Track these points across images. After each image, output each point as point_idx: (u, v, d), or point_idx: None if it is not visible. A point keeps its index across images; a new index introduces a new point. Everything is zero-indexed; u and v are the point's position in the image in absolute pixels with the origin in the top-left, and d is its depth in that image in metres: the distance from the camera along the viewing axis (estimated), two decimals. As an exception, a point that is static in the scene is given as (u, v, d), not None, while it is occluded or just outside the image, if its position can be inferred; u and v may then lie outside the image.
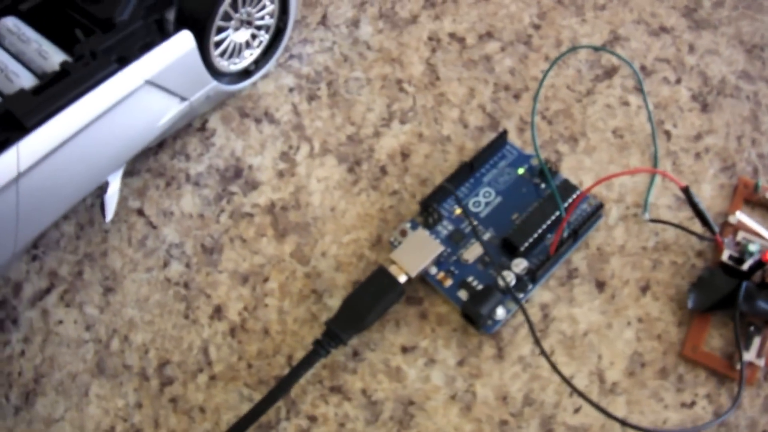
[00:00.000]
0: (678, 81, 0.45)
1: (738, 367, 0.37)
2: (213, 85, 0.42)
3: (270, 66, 0.46)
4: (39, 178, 0.36)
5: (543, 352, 0.35)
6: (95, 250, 0.42)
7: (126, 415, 0.38)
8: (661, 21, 0.48)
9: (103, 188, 0.40)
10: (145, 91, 0.38)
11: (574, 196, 0.40)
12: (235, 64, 0.44)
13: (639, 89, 0.45)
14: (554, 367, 0.35)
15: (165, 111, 0.41)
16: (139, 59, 0.38)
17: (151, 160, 0.45)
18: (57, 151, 0.36)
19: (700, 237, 0.40)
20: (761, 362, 0.37)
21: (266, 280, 0.41)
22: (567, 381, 0.34)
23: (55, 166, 0.36)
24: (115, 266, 0.42)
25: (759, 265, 0.38)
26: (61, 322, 0.40)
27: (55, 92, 0.36)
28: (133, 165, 0.44)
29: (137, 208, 0.43)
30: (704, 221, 0.39)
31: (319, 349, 0.37)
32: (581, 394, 0.34)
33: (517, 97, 0.45)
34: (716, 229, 0.39)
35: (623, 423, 0.33)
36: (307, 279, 0.41)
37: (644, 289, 0.40)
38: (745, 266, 0.38)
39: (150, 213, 0.43)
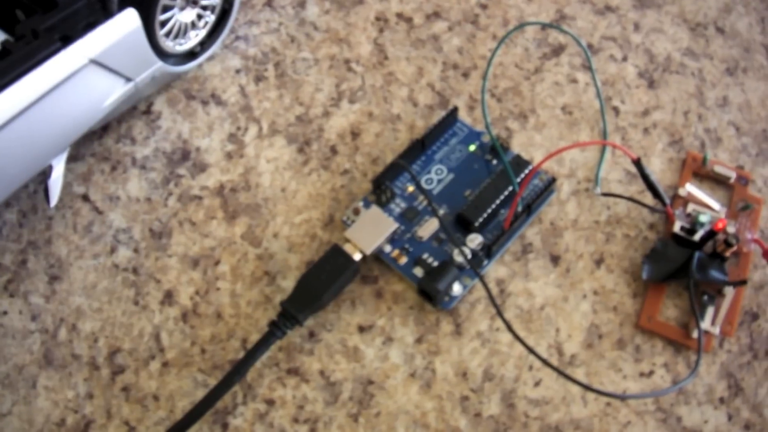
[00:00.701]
0: (624, 58, 0.46)
1: (695, 335, 0.37)
2: (158, 65, 0.41)
3: (216, 47, 0.45)
4: (-22, 161, 0.34)
5: (505, 322, 0.35)
6: (39, 237, 0.41)
7: (76, 407, 0.37)
8: (606, 0, 0.48)
9: (46, 173, 0.39)
10: (89, 70, 0.37)
11: (527, 171, 0.40)
12: (180, 44, 0.43)
13: (586, 67, 0.45)
14: (516, 335, 0.34)
15: (110, 92, 0.39)
16: (83, 38, 0.37)
17: (96, 144, 0.43)
18: (-3, 133, 0.34)
19: (652, 209, 0.40)
20: (716, 330, 0.37)
21: (217, 263, 0.40)
22: (530, 348, 0.34)
23: (-5, 148, 0.35)
24: (61, 253, 0.40)
25: (710, 235, 0.38)
26: (5, 312, 0.39)
27: (-5, 72, 0.35)
28: (77, 149, 0.43)
29: (82, 194, 0.42)
30: (656, 193, 0.40)
31: (275, 330, 0.36)
32: (545, 361, 0.34)
33: (465, 75, 0.45)
34: (667, 200, 0.40)
35: (586, 387, 0.33)
36: (259, 261, 0.40)
37: (598, 262, 0.40)
38: (697, 237, 0.38)
39: (95, 198, 0.42)
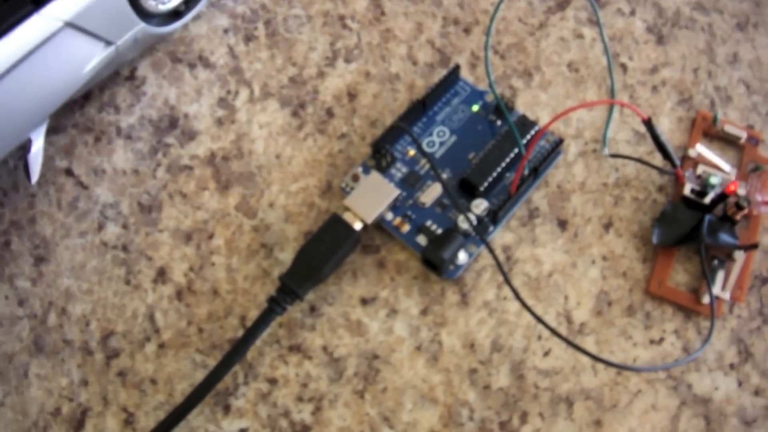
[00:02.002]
0: (632, 12, 0.44)
1: (706, 301, 0.36)
2: (141, 27, 0.39)
3: (201, 6, 0.43)
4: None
5: (513, 290, 0.33)
6: (22, 217, 0.39)
7: (71, 394, 0.35)
8: (609, -52, 0.46)
9: (25, 147, 0.37)
10: (66, 34, 0.35)
11: (533, 132, 0.38)
12: (163, 3, 0.40)
13: (593, 21, 0.43)
14: (524, 304, 0.33)
15: (89, 57, 0.37)
16: (57, -1, 0.34)
17: (77, 114, 0.41)
18: (-31, 106, 0.32)
19: (661, 171, 0.39)
20: (726, 295, 0.37)
21: (211, 236, 0.38)
22: (537, 317, 0.33)
23: (-32, 122, 0.33)
24: (46, 233, 0.38)
25: (721, 197, 0.37)
26: (-11, 296, 0.37)
27: (-37, 39, 0.32)
28: (58, 120, 0.41)
29: (65, 168, 0.40)
30: (666, 154, 0.38)
31: (275, 306, 0.35)
32: (552, 330, 0.33)
33: (467, 31, 0.43)
34: (677, 162, 0.38)
35: (596, 359, 0.32)
36: (255, 233, 0.38)
37: (607, 227, 0.38)
38: (708, 199, 0.37)
39: (79, 172, 0.40)
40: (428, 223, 0.37)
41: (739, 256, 0.37)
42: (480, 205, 0.37)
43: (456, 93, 0.40)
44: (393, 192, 0.37)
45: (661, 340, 0.36)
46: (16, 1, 0.34)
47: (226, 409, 0.35)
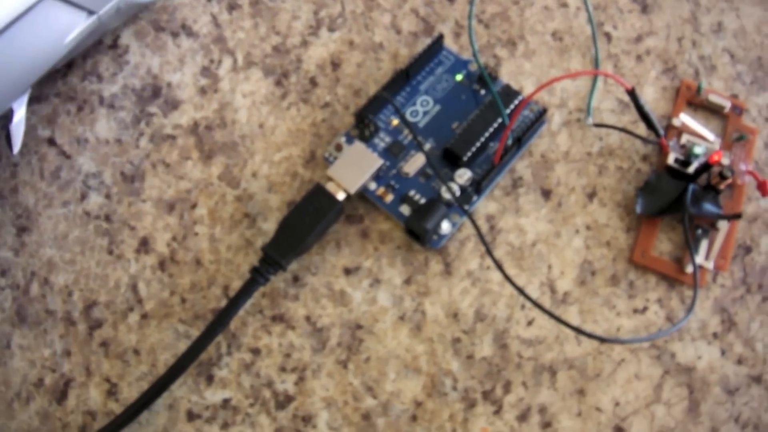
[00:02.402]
0: (616, -22, 0.44)
1: (689, 270, 0.37)
2: (122, -5, 0.39)
3: (183, -26, 0.42)
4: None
5: (495, 261, 0.33)
6: (4, 186, 0.39)
7: (54, 365, 0.35)
8: None
9: (7, 117, 0.37)
10: (47, 4, 0.35)
11: (517, 101, 0.38)
12: (144, -28, 0.40)
13: (577, -12, 0.43)
14: (507, 277, 0.33)
15: (71, 26, 0.37)
16: (37, -33, 0.34)
17: (60, 83, 0.41)
18: (-51, 75, 0.32)
19: (645, 140, 0.39)
20: (710, 264, 0.37)
21: (194, 206, 0.38)
22: (521, 290, 0.33)
23: (-52, 92, 0.32)
24: (28, 203, 0.38)
25: (705, 167, 0.37)
26: (-29, 266, 0.37)
27: (-59, 9, 0.32)
28: (40, 89, 0.40)
29: (47, 137, 0.40)
30: (649, 124, 0.38)
31: (257, 276, 0.35)
32: (536, 303, 0.33)
33: (451, 0, 0.43)
34: (662, 131, 0.38)
35: (579, 331, 0.32)
36: (238, 202, 0.38)
37: (591, 196, 0.38)
38: (691, 169, 0.37)
39: (62, 141, 0.40)
40: (411, 192, 0.37)
41: (723, 225, 0.37)
42: (463, 175, 0.37)
43: (440, 62, 0.40)
44: (376, 162, 0.37)
45: (645, 309, 0.36)
46: (-4, -29, 0.33)
47: (210, 379, 0.35)
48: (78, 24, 0.37)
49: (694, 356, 0.36)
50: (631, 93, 0.37)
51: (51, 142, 0.40)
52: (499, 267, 0.33)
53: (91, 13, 0.37)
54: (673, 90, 0.41)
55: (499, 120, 0.38)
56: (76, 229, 0.38)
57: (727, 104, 0.40)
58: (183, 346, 0.35)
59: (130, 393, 0.35)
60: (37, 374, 0.35)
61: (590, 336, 0.33)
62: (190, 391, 0.35)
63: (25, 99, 0.37)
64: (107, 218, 0.38)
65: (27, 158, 0.39)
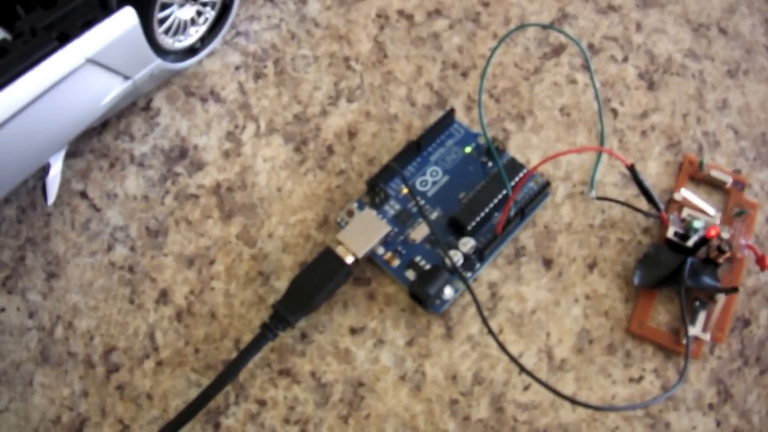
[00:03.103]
0: (625, 59, 0.45)
1: (684, 341, 0.37)
2: (157, 63, 0.41)
3: (216, 43, 0.45)
4: (-23, 160, 0.35)
5: (491, 332, 0.35)
6: (37, 234, 0.41)
7: (72, 404, 0.37)
8: (608, -2, 0.48)
9: (44, 170, 0.39)
10: (87, 69, 0.37)
11: (521, 174, 0.40)
12: (180, 41, 0.43)
13: (586, 67, 0.45)
14: (502, 346, 0.35)
15: (108, 90, 0.40)
16: (81, 37, 0.37)
17: (95, 140, 0.44)
18: (-5, 132, 0.35)
19: (646, 214, 0.40)
20: (707, 336, 0.38)
21: (212, 262, 0.40)
22: (515, 360, 0.35)
23: (-7, 147, 0.35)
24: (59, 251, 0.41)
25: (703, 241, 0.38)
26: (3, 309, 0.40)
27: (-7, 71, 0.35)
28: (76, 145, 0.43)
29: (80, 191, 0.42)
30: (650, 199, 0.40)
31: (267, 332, 0.37)
32: (529, 374, 0.34)
33: (464, 75, 0.45)
34: (661, 206, 0.40)
35: (571, 401, 0.33)
36: (253, 261, 0.40)
37: (591, 266, 0.40)
38: (690, 242, 0.38)
39: (93, 195, 0.42)
40: (417, 258, 0.39)
41: (721, 298, 0.38)
42: (467, 244, 0.39)
43: (450, 135, 0.42)
44: (384, 228, 0.39)
45: (641, 378, 0.37)
46: (43, 38, 0.36)
47: (216, 426, 0.37)
48: (114, 88, 0.40)
49: (689, 426, 0.36)
50: (631, 169, 0.39)
51: (83, 195, 0.42)
52: (495, 337, 0.35)
53: (126, 78, 0.40)
54: (677, 165, 0.42)
55: (504, 191, 0.40)
56: (101, 278, 0.40)
57: (729, 179, 0.41)
58: (194, 393, 0.37)
59: (141, 437, 0.37)
60: (56, 412, 0.37)
61: (582, 405, 0.34)
62: (197, 438, 0.37)
63: (62, 154, 0.40)
64: (131, 269, 0.40)
65: (60, 209, 0.42)
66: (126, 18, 0.38)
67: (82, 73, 0.37)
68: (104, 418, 0.37)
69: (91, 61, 0.37)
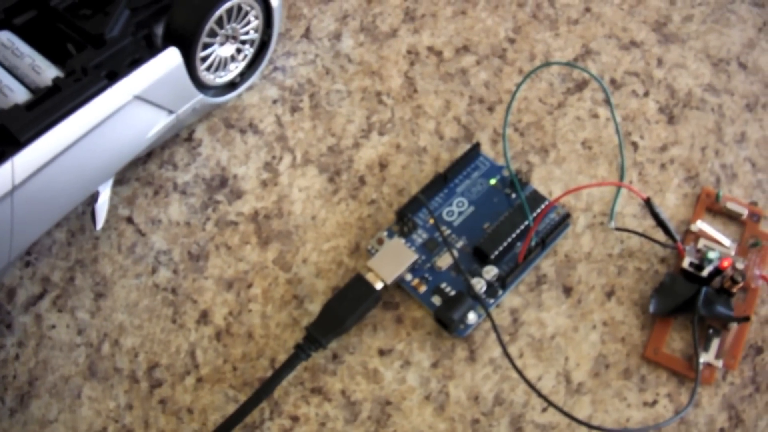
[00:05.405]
0: (646, 94, 0.47)
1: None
2: (199, 98, 0.44)
3: (255, 78, 0.48)
4: (33, 190, 0.37)
5: (508, 357, 0.37)
6: (86, 256, 0.44)
7: (117, 416, 0.40)
8: (631, 35, 0.49)
9: (93, 197, 0.42)
10: (134, 105, 0.40)
11: (543, 206, 0.42)
12: (220, 77, 0.45)
13: (608, 102, 0.47)
14: (519, 371, 0.37)
15: (153, 124, 0.42)
16: (128, 75, 0.39)
17: (140, 169, 0.46)
18: (50, 165, 0.37)
19: (663, 245, 0.42)
20: (719, 363, 0.39)
21: (250, 286, 0.43)
22: (530, 385, 0.36)
23: (48, 178, 0.38)
24: (106, 272, 0.43)
25: (717, 271, 0.40)
26: (53, 326, 0.42)
27: (47, 108, 0.37)
28: (123, 174, 0.46)
29: (126, 216, 0.45)
30: (666, 230, 0.41)
31: (300, 353, 0.39)
32: (545, 398, 0.36)
33: (491, 109, 0.47)
34: (677, 237, 0.41)
35: (586, 425, 0.35)
36: (288, 285, 0.43)
37: (609, 294, 0.42)
38: (705, 273, 0.40)
39: (139, 221, 0.45)
40: (443, 285, 0.41)
41: (734, 326, 0.40)
42: (490, 272, 0.41)
43: (476, 167, 0.44)
44: (412, 256, 0.41)
45: (654, 402, 0.39)
46: (93, 77, 0.39)
47: (252, 441, 0.39)
48: (159, 122, 0.43)
49: (701, 451, 0.38)
50: (648, 202, 0.41)
51: (129, 220, 0.45)
52: (512, 362, 0.37)
53: (170, 112, 0.43)
54: (694, 197, 0.44)
55: (526, 222, 0.42)
56: (145, 299, 0.43)
57: (745, 211, 0.43)
58: (231, 408, 0.39)
59: (181, 449, 0.39)
60: (102, 423, 0.40)
61: (596, 428, 0.36)
62: (234, 451, 0.39)
63: (110, 183, 0.42)
64: (173, 291, 0.43)
65: (107, 233, 0.45)
66: (171, 57, 0.41)
67: (130, 109, 0.40)
68: (147, 430, 0.39)
69: (138, 97, 0.40)
